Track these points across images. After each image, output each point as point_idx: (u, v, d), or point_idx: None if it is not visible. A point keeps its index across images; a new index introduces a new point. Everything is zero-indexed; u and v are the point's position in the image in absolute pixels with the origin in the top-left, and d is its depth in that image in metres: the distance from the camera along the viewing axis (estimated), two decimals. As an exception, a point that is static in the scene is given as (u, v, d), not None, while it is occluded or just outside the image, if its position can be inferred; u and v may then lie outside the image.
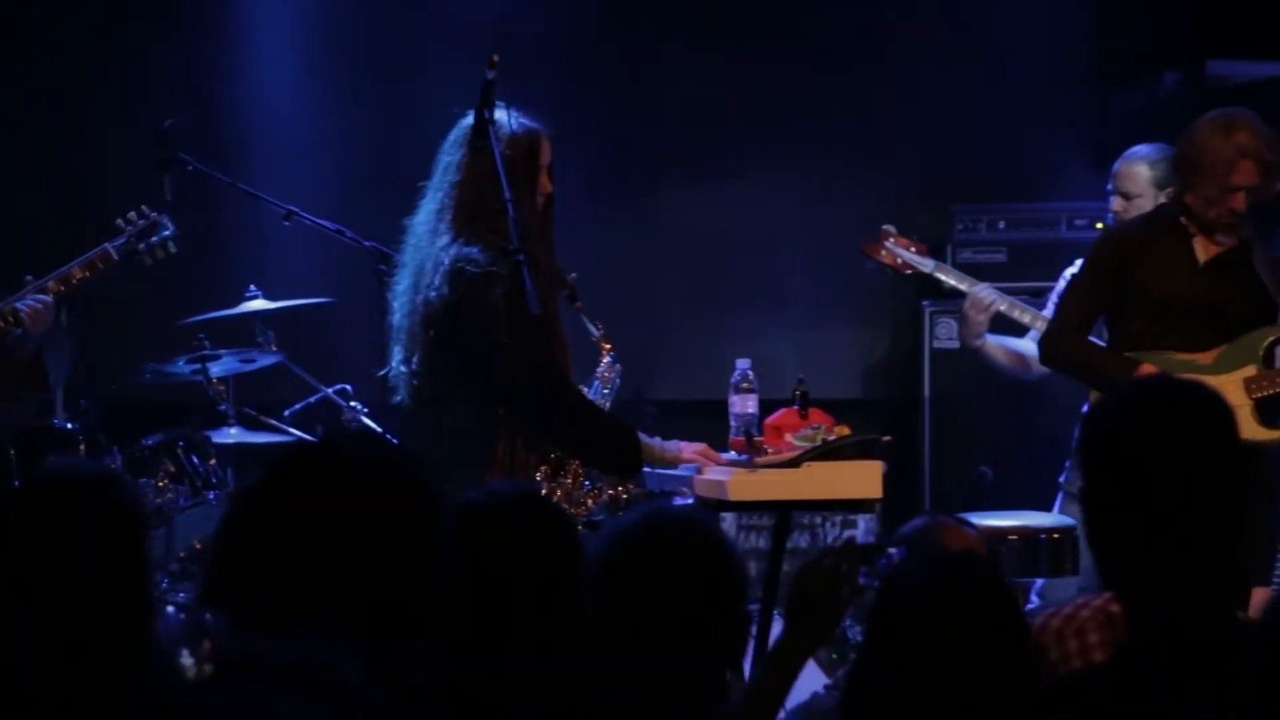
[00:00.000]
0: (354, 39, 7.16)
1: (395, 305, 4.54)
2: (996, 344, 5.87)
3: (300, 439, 5.86)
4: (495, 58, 4.36)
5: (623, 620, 2.64)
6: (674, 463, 4.63)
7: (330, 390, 6.00)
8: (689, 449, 4.63)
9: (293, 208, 5.63)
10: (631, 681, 2.63)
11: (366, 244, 5.38)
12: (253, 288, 6.02)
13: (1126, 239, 5.28)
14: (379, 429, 5.74)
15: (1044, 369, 5.56)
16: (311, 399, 6.08)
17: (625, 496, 4.69)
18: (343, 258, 5.81)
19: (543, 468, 4.49)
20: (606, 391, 4.85)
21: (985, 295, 5.77)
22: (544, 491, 4.44)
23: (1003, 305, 5.76)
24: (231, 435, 5.96)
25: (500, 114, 4.45)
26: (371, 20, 7.16)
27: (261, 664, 2.17)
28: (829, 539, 6.32)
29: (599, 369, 4.84)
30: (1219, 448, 2.49)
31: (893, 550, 3.02)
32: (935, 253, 6.04)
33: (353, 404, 5.95)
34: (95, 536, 2.35)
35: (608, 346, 4.83)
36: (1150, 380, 2.67)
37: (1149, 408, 2.50)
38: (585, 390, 4.77)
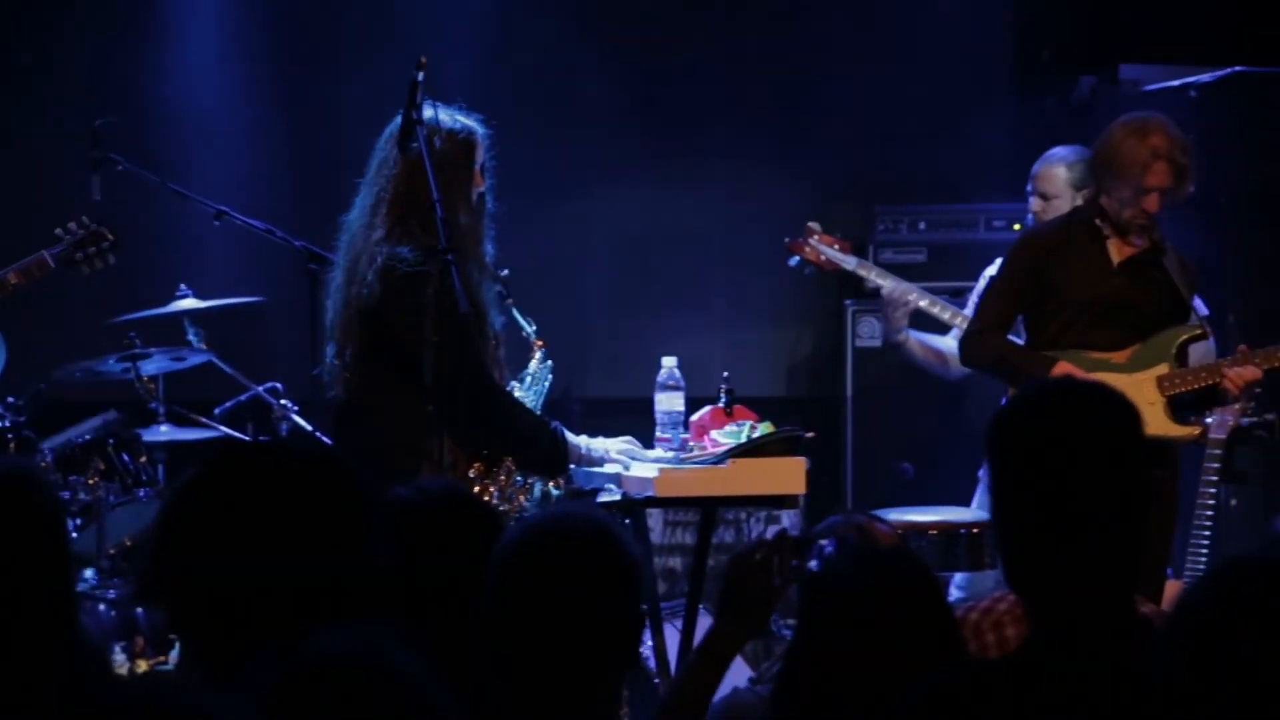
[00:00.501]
0: (284, 38, 7.14)
1: (329, 301, 4.57)
2: (918, 341, 5.95)
3: (232, 436, 5.89)
4: (423, 59, 4.39)
5: (516, 618, 2.60)
6: (600, 465, 4.69)
7: (260, 388, 6.01)
8: (614, 446, 4.68)
9: (223, 207, 5.64)
10: (520, 681, 2.61)
11: (296, 243, 5.40)
12: (183, 287, 6.02)
13: (1043, 240, 5.33)
14: (309, 427, 5.76)
15: (965, 368, 5.64)
16: (242, 397, 6.09)
17: (557, 492, 4.73)
18: (273, 257, 5.83)
19: (476, 464, 4.53)
20: (537, 389, 4.90)
21: (901, 291, 5.86)
22: (477, 489, 4.48)
23: (922, 301, 5.85)
24: (162, 433, 5.96)
25: (436, 112, 4.50)
26: (301, 19, 7.15)
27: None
28: (754, 534, 6.38)
29: (530, 366, 4.89)
30: (1120, 448, 2.52)
31: (824, 542, 3.05)
32: (857, 252, 6.11)
33: (283, 402, 5.96)
34: (9, 531, 2.32)
35: (540, 344, 4.87)
36: (1053, 382, 2.71)
37: (1051, 410, 2.53)
38: (515, 386, 4.81)
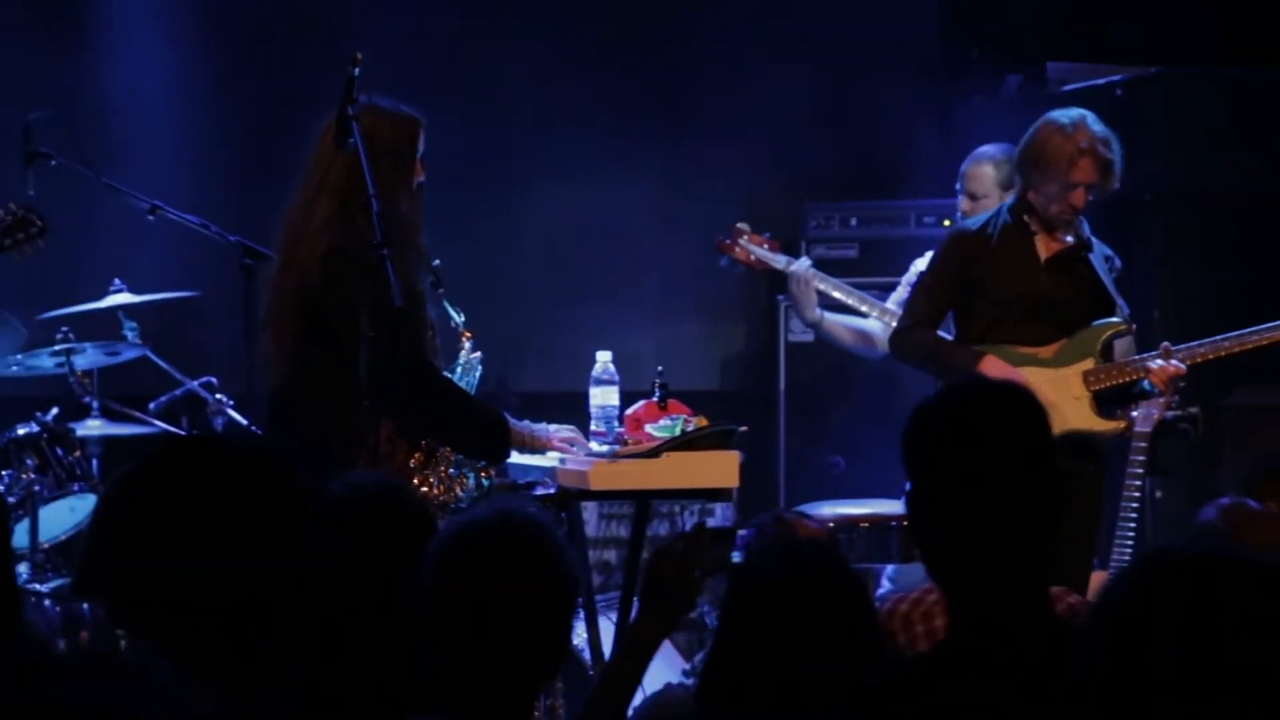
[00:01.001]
0: (220, 32, 7.13)
1: (269, 290, 4.59)
2: (837, 322, 5.97)
3: (168, 431, 5.88)
4: (358, 55, 4.38)
5: (448, 617, 2.60)
6: (543, 448, 4.71)
7: (195, 383, 6.00)
8: (557, 437, 4.71)
9: (157, 202, 5.62)
10: (443, 680, 2.61)
11: (231, 238, 5.40)
12: (117, 281, 5.99)
13: (972, 237, 5.37)
14: (245, 421, 5.76)
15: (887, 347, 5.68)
16: (177, 392, 6.08)
17: (489, 484, 4.76)
18: (208, 251, 5.82)
19: (415, 455, 4.55)
20: (469, 379, 4.92)
21: (801, 269, 5.90)
22: (416, 479, 4.51)
23: (822, 284, 5.89)
24: (96, 428, 5.95)
25: (377, 100, 4.53)
26: (237, 14, 7.14)
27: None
28: (687, 526, 6.42)
29: (460, 356, 4.90)
30: (1029, 445, 2.56)
31: (742, 533, 3.09)
32: (789, 249, 6.15)
33: (218, 396, 5.95)
34: None
35: (468, 335, 4.89)
36: (965, 381, 2.76)
37: (963, 408, 2.59)
38: (448, 376, 4.83)
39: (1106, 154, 5.20)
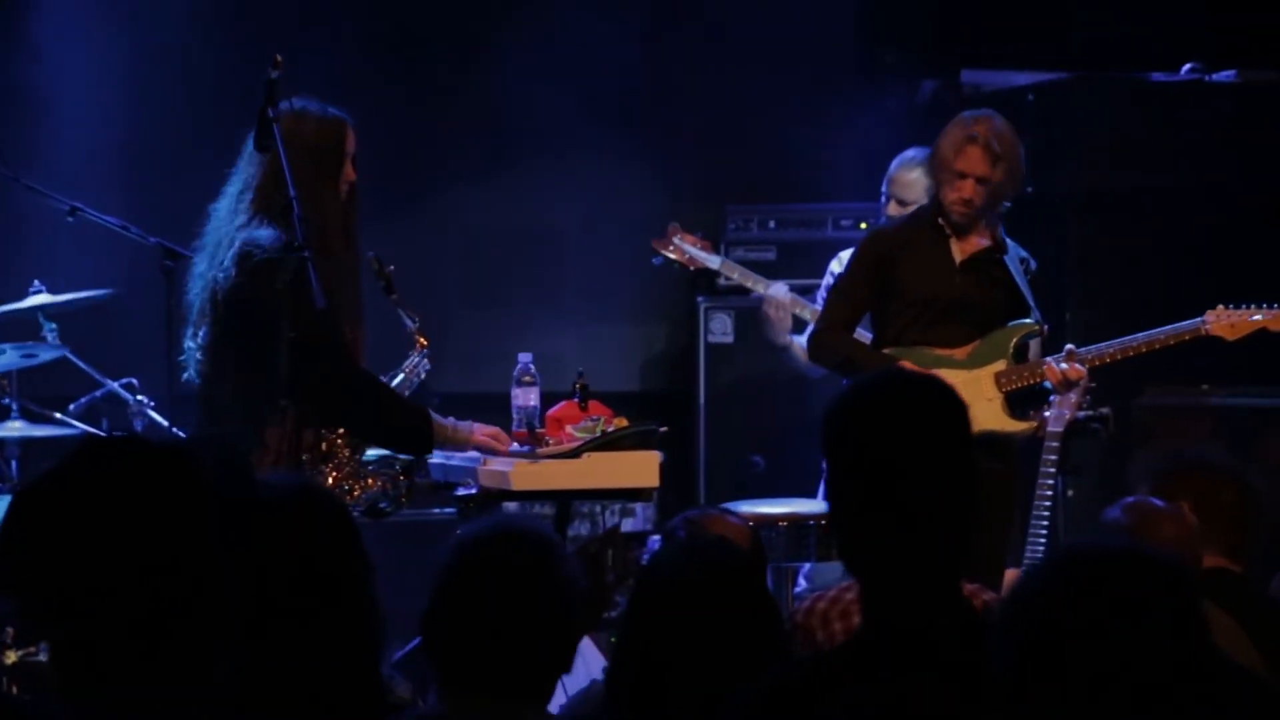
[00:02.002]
0: (139, 32, 7.10)
1: (191, 285, 4.60)
2: (800, 344, 6.00)
3: (88, 433, 5.86)
4: (279, 57, 4.37)
5: (466, 626, 2.69)
6: (465, 444, 4.72)
7: (116, 384, 5.98)
8: (481, 431, 4.73)
9: (77, 203, 5.60)
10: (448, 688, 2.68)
11: (151, 240, 5.39)
12: (36, 282, 5.96)
13: (888, 239, 5.42)
14: (165, 422, 5.75)
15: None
16: (97, 393, 6.06)
17: (405, 484, 4.77)
18: (128, 252, 5.81)
19: (308, 455, 4.55)
20: (410, 384, 4.94)
21: (782, 294, 5.93)
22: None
23: (799, 310, 5.93)
24: (15, 429, 5.91)
25: (308, 102, 4.54)
26: (157, 13, 7.11)
27: None
28: (608, 526, 6.45)
29: (407, 361, 4.91)
30: (945, 439, 2.58)
31: (653, 538, 3.13)
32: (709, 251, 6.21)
33: (139, 397, 5.94)
34: None
35: (423, 341, 4.89)
36: (882, 374, 2.77)
37: (880, 401, 2.60)
38: (386, 380, 4.85)
39: (997, 147, 5.20)
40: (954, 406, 2.62)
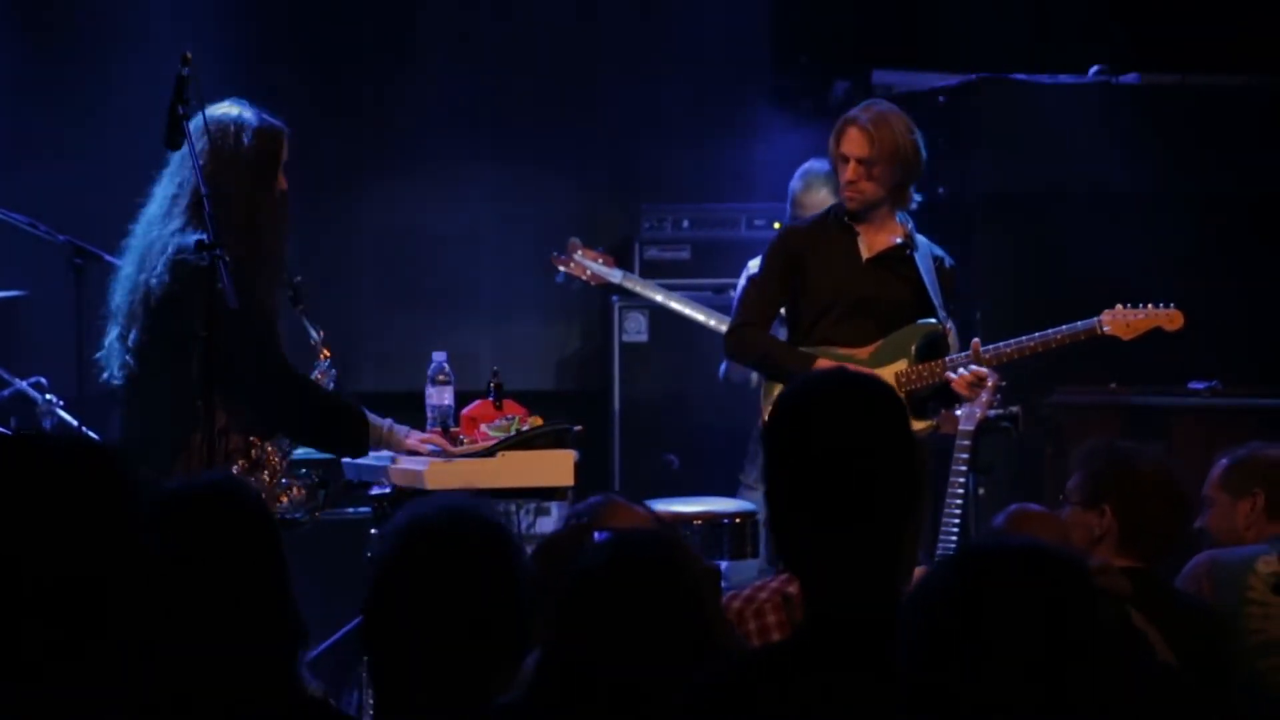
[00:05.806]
0: (49, 29, 7.04)
1: (117, 284, 4.56)
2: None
3: (-4, 432, 5.80)
4: (188, 54, 4.36)
5: (410, 616, 2.60)
6: (401, 447, 4.71)
7: (25, 383, 5.92)
8: (418, 437, 4.71)
9: (-15, 201, 5.57)
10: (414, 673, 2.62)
11: (60, 237, 5.34)
12: (-58, 282, 5.93)
13: (799, 236, 5.43)
14: (75, 421, 5.70)
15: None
16: (5, 392, 5.99)
17: (324, 492, 4.75)
18: (37, 250, 5.75)
19: (240, 462, 4.56)
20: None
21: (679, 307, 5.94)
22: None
23: (673, 303, 5.96)
24: (-79, 430, 5.86)
25: (242, 109, 4.52)
26: (71, 10, 7.05)
27: None
28: (523, 526, 6.45)
29: (314, 372, 4.89)
30: (889, 439, 2.59)
31: (598, 534, 3.10)
32: (623, 249, 6.23)
33: (48, 397, 5.88)
34: None
35: (326, 352, 4.88)
36: (826, 374, 2.76)
37: (824, 401, 2.60)
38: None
39: (872, 129, 5.20)
40: (897, 406, 2.63)
